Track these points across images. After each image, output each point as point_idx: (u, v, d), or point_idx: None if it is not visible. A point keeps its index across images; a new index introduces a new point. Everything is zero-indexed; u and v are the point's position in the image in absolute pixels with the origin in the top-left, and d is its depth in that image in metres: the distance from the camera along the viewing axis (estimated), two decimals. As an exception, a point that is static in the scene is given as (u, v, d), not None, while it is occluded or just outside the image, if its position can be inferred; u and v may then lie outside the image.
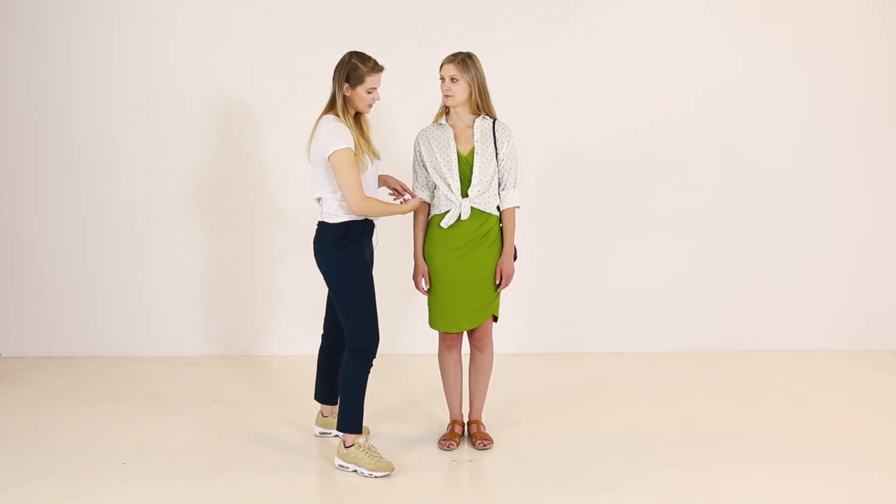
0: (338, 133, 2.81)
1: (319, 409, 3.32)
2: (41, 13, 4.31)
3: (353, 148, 2.82)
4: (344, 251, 2.89)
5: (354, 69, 2.84)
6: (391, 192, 3.16)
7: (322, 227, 2.94)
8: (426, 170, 3.05)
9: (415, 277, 3.13)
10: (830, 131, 4.36)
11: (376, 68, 2.87)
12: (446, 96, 2.97)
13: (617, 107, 4.33)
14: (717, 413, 3.50)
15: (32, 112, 4.38)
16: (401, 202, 3.09)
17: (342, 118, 2.87)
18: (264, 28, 4.29)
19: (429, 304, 3.13)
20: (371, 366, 2.96)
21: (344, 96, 2.88)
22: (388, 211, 2.94)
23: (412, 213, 3.11)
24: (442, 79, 2.97)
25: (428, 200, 3.09)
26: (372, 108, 2.96)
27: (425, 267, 3.09)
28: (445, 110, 3.06)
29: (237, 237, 4.44)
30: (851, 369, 4.12)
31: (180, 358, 4.47)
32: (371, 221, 2.99)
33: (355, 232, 2.91)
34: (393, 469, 2.91)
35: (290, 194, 4.36)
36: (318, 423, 3.31)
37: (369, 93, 2.87)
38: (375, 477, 2.88)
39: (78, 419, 3.52)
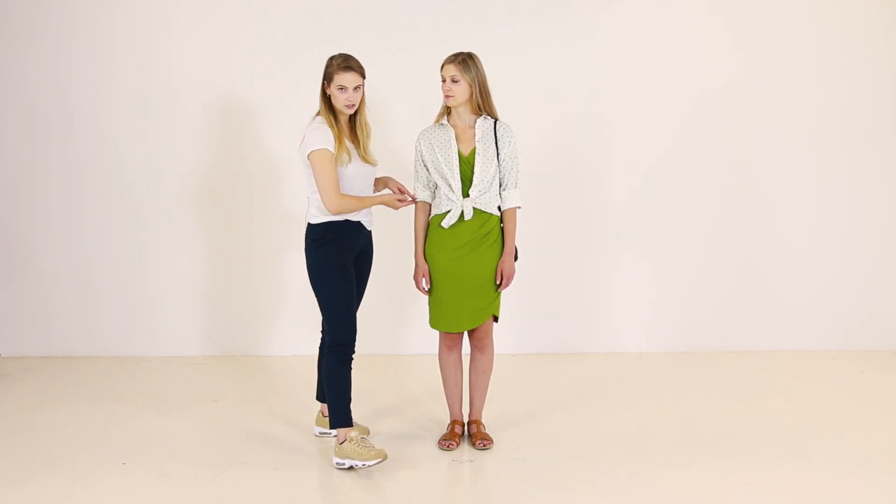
0: (317, 134, 2.89)
1: (320, 408, 3.32)
2: (41, 13, 4.31)
3: (332, 149, 2.87)
4: (320, 251, 2.94)
5: (328, 66, 2.93)
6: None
7: (307, 227, 3.01)
8: (427, 170, 3.05)
9: (415, 277, 3.13)
10: (831, 131, 4.36)
11: (342, 66, 2.89)
12: (447, 96, 2.97)
13: (617, 107, 4.33)
14: (717, 413, 3.50)
15: (32, 112, 4.38)
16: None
17: (325, 118, 2.93)
18: (264, 28, 4.29)
19: (429, 303, 3.13)
20: (351, 360, 2.98)
21: (329, 96, 2.94)
22: (364, 204, 2.96)
23: (413, 212, 3.11)
24: (443, 79, 2.97)
25: (429, 200, 3.10)
26: (351, 110, 2.94)
27: (426, 267, 3.09)
28: (447, 110, 3.06)
29: (237, 237, 4.44)
30: (851, 369, 4.12)
31: (180, 358, 4.47)
32: (358, 223, 3.00)
33: (332, 232, 2.94)
34: (385, 456, 2.90)
35: (290, 194, 4.36)
36: (318, 423, 3.31)
37: (340, 90, 2.89)
38: (369, 466, 2.88)
39: (78, 419, 3.52)
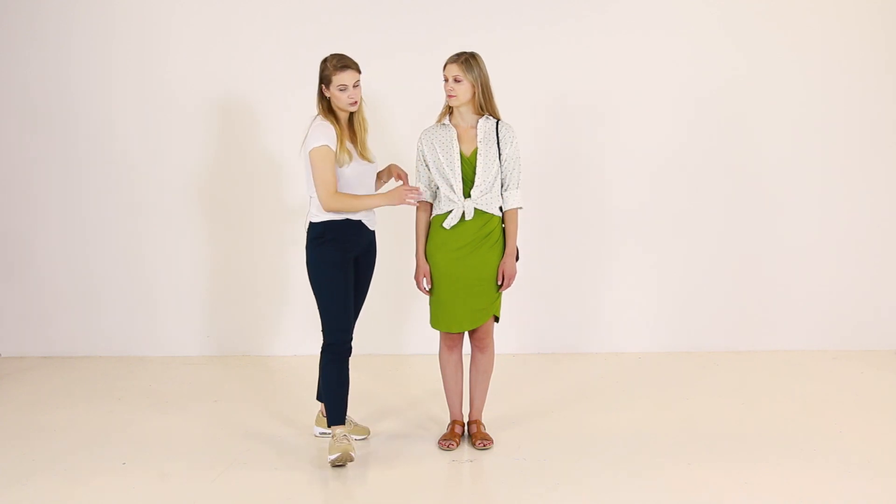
0: (319, 131, 2.91)
1: (320, 409, 3.32)
2: (41, 13, 4.31)
3: (333, 146, 2.88)
4: (319, 250, 2.96)
5: (323, 69, 2.94)
6: (396, 181, 3.16)
7: (308, 226, 3.03)
8: (429, 170, 3.05)
9: (416, 277, 3.13)
10: (831, 132, 4.36)
11: (339, 66, 2.90)
12: (450, 96, 2.97)
13: (618, 107, 4.33)
14: (717, 413, 3.50)
15: (32, 112, 4.38)
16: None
17: (325, 117, 2.95)
18: (264, 27, 4.29)
19: (430, 304, 3.13)
20: (341, 360, 2.99)
21: (327, 98, 2.96)
22: (363, 204, 2.95)
23: (415, 213, 3.11)
24: (445, 79, 2.97)
25: (430, 200, 3.09)
26: (355, 107, 2.96)
27: (427, 267, 3.09)
28: (449, 110, 3.06)
29: (237, 236, 4.44)
30: (851, 369, 4.12)
31: (180, 358, 4.47)
32: (359, 223, 3.00)
33: (332, 231, 2.95)
34: (349, 457, 2.88)
35: (290, 193, 4.36)
36: (318, 423, 3.31)
37: (342, 90, 2.91)
38: (331, 460, 2.89)
39: (78, 419, 3.52)
